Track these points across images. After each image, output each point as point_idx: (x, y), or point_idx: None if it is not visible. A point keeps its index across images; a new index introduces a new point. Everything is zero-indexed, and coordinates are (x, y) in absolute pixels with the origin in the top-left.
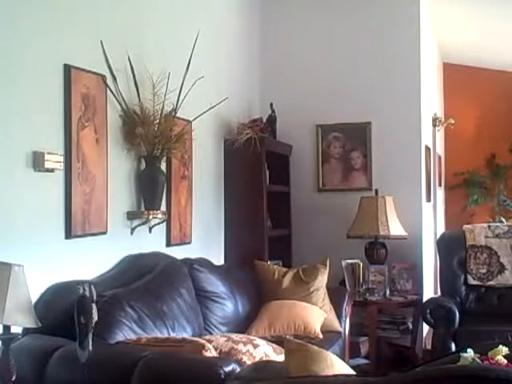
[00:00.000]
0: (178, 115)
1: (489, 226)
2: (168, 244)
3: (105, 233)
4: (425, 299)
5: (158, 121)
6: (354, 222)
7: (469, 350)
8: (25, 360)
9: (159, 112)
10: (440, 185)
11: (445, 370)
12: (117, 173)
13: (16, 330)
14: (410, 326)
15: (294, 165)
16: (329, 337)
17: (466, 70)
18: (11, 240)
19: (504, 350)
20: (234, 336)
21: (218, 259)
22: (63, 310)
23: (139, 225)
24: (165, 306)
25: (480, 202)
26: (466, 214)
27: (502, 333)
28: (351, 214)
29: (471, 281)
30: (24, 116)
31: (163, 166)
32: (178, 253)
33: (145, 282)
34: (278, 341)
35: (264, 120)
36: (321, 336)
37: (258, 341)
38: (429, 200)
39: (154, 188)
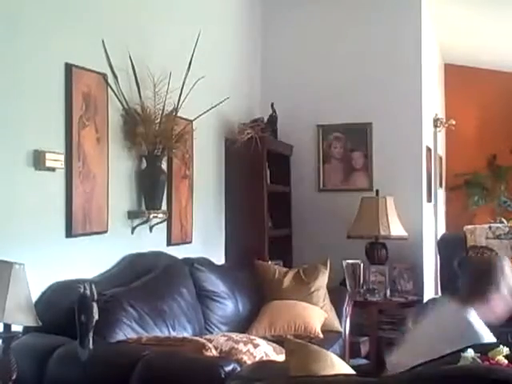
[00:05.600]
0: (179, 114)
1: (489, 227)
2: (169, 243)
3: (105, 232)
4: (425, 300)
5: (159, 120)
6: (354, 222)
7: (469, 350)
8: (25, 359)
9: (160, 111)
10: (441, 185)
11: (445, 370)
12: (118, 172)
13: (16, 328)
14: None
15: (294, 165)
16: (329, 337)
17: (468, 71)
18: (12, 239)
19: (504, 350)
20: (235, 335)
21: (219, 259)
22: (64, 309)
23: (140, 224)
24: (165, 305)
25: (481, 203)
26: (467, 215)
27: (502, 333)
28: (352, 215)
29: None
30: (25, 115)
31: (164, 166)
32: (179, 252)
33: (145, 281)
34: (278, 341)
35: (265, 120)
36: (321, 336)
37: (258, 340)
38: (429, 201)
39: (154, 187)
